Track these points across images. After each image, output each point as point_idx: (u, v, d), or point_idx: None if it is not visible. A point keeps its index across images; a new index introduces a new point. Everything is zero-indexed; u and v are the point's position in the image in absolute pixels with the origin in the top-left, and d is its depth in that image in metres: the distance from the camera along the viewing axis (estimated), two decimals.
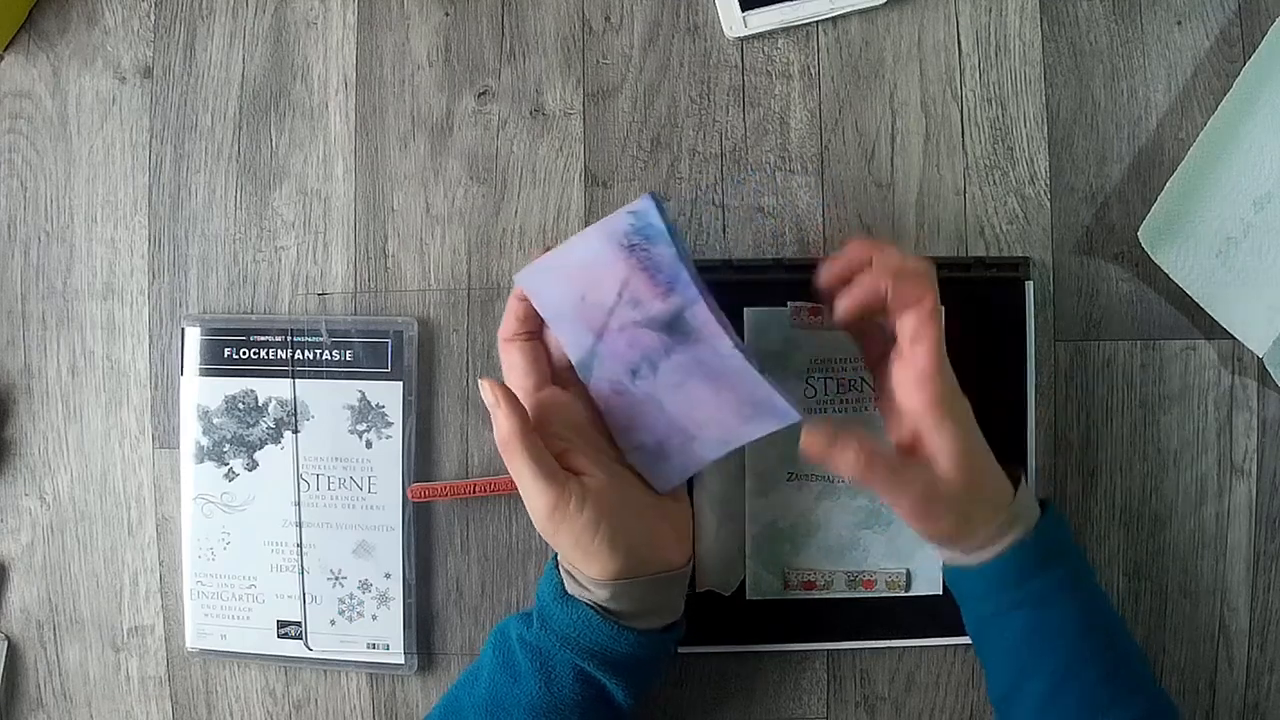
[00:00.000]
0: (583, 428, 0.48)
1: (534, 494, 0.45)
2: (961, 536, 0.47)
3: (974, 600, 0.49)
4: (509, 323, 0.49)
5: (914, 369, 0.45)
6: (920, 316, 0.45)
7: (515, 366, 0.49)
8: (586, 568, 0.46)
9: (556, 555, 0.49)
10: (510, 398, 0.45)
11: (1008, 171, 0.57)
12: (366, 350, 0.56)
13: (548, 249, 0.48)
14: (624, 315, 0.46)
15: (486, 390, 0.45)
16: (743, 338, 0.54)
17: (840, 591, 0.55)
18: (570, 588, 0.47)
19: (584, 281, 0.47)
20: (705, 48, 0.57)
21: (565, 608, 0.46)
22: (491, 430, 0.56)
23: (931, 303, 0.45)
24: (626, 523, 0.46)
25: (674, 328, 0.46)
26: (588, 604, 0.46)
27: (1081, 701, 0.45)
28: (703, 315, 0.45)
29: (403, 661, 0.56)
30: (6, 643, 0.58)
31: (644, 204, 0.44)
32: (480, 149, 0.57)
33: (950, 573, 0.50)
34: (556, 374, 0.49)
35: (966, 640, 0.52)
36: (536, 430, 0.45)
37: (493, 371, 0.56)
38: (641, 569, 0.46)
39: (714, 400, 0.47)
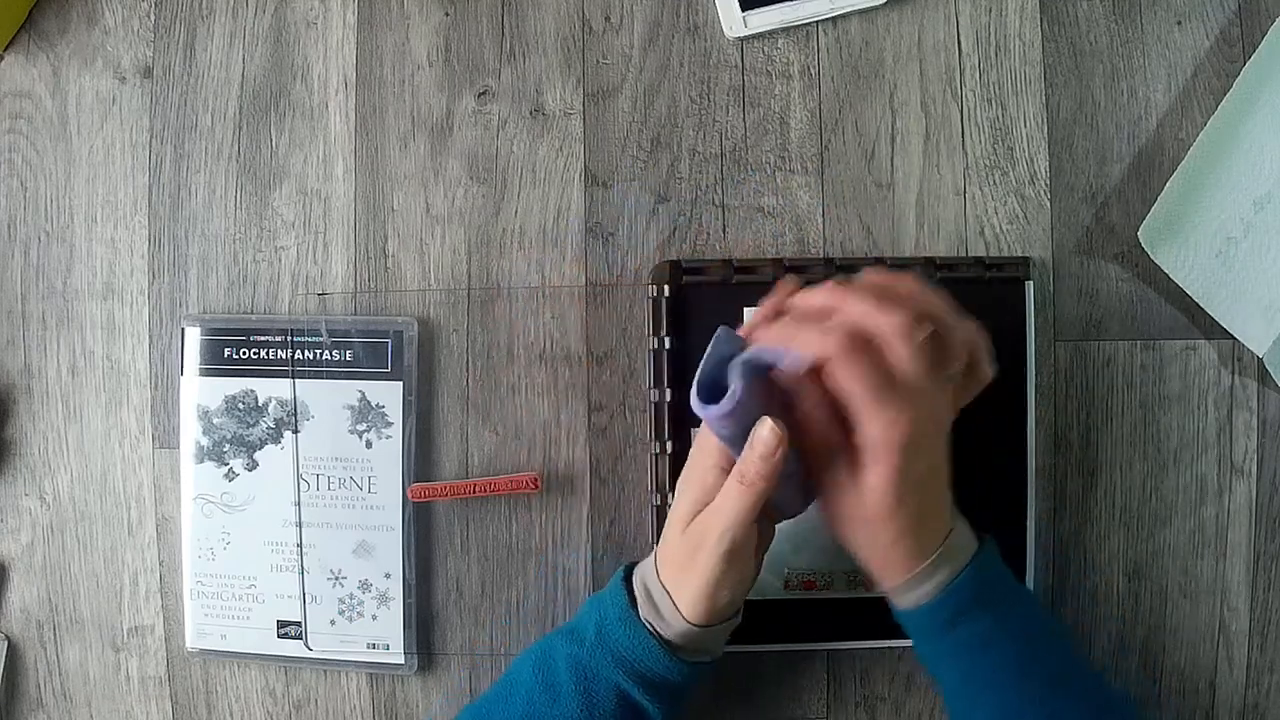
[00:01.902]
0: None
1: (740, 525, 0.43)
2: (877, 571, 0.46)
3: (914, 641, 0.48)
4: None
5: (855, 407, 0.42)
6: (830, 373, 0.41)
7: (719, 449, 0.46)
8: (692, 605, 0.45)
9: (626, 570, 0.49)
10: (785, 449, 0.42)
11: (1008, 171, 0.57)
12: (366, 350, 0.56)
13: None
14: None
15: (770, 430, 0.41)
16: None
17: (840, 591, 0.55)
18: (644, 610, 0.46)
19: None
20: (705, 48, 0.57)
21: (628, 629, 0.46)
22: (490, 430, 0.56)
23: (834, 349, 0.41)
24: (755, 574, 0.46)
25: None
26: (650, 631, 0.46)
27: None
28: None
29: (403, 661, 0.56)
30: (6, 643, 0.58)
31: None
32: (480, 149, 0.57)
33: (893, 611, 0.49)
34: None
35: None
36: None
37: (491, 372, 0.56)
38: (723, 617, 0.46)
39: None
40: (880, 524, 0.43)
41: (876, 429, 0.41)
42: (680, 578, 0.46)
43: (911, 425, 0.41)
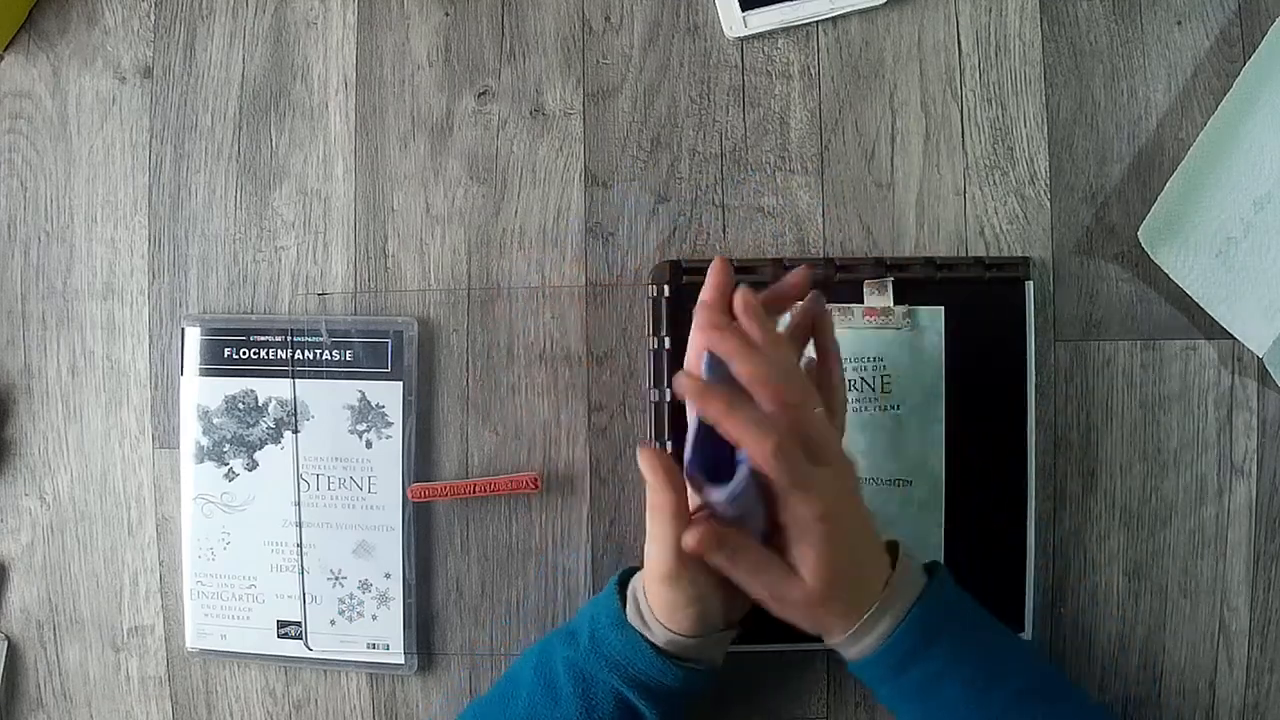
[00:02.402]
0: None
1: (663, 559, 0.44)
2: (822, 630, 0.46)
3: (869, 685, 0.48)
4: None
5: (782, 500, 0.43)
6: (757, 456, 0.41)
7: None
8: (664, 616, 0.46)
9: (619, 577, 0.49)
10: (672, 474, 0.43)
11: (1008, 171, 0.57)
12: (366, 350, 0.56)
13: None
14: None
15: (648, 462, 0.43)
16: None
17: None
18: (632, 616, 0.47)
19: None
20: (705, 48, 0.57)
21: (621, 634, 0.46)
22: (490, 430, 0.56)
23: (762, 461, 0.41)
24: (716, 595, 0.46)
25: None
26: (643, 637, 0.46)
27: None
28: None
29: (403, 661, 0.56)
30: (6, 643, 0.58)
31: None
32: (480, 149, 0.57)
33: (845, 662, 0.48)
34: None
35: None
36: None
37: (491, 372, 0.57)
38: (706, 630, 0.46)
39: None
40: (814, 606, 0.44)
41: (802, 508, 0.42)
42: (653, 599, 0.47)
43: (830, 497, 0.42)
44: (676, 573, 0.44)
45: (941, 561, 0.53)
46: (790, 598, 0.44)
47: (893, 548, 0.47)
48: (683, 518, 0.44)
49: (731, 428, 0.41)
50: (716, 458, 0.43)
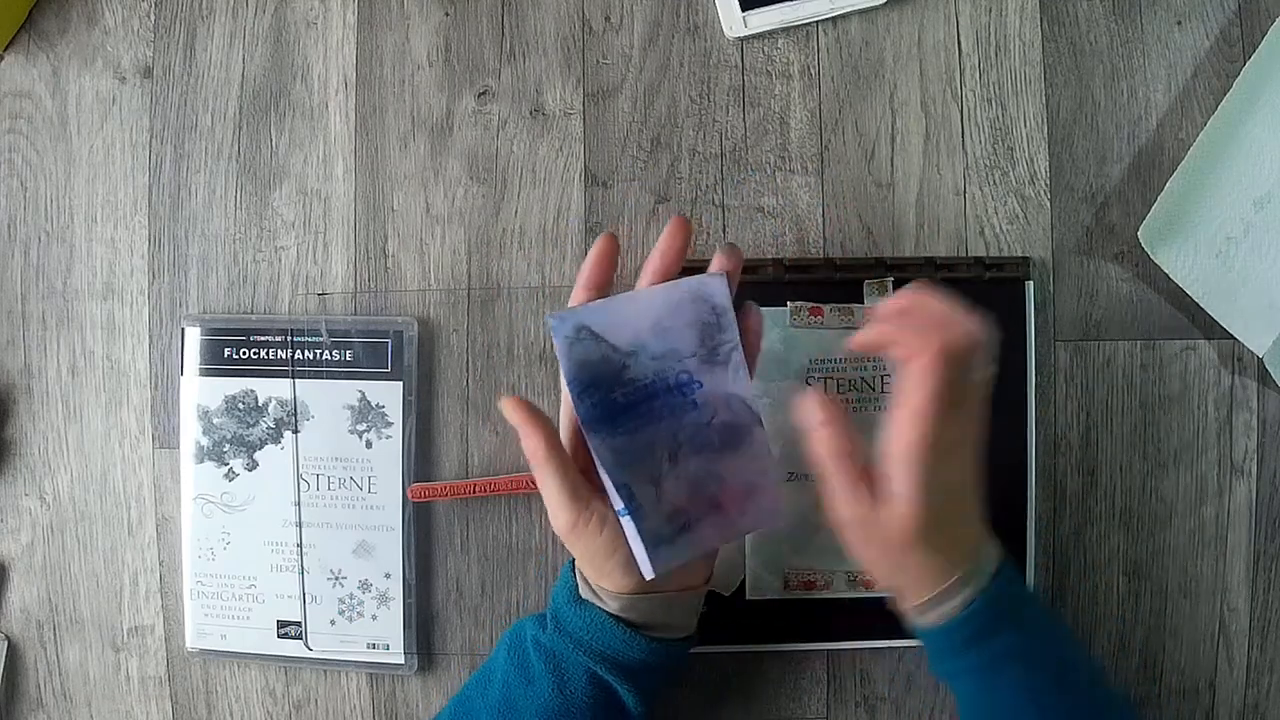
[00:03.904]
0: None
1: (556, 510, 0.45)
2: (899, 589, 0.46)
3: (931, 656, 0.48)
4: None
5: (896, 414, 0.43)
6: (913, 371, 0.42)
7: None
8: (601, 581, 0.46)
9: (574, 558, 0.49)
10: (534, 417, 0.45)
11: (1008, 171, 0.57)
12: (366, 350, 0.56)
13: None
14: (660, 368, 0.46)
15: (511, 409, 0.45)
16: None
17: (840, 591, 0.55)
18: (584, 592, 0.47)
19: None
20: (705, 48, 0.57)
21: (578, 611, 0.47)
22: (491, 431, 0.56)
23: (928, 359, 0.42)
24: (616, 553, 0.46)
25: (709, 358, 0.46)
26: (601, 610, 0.46)
27: None
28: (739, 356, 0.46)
29: (403, 661, 0.56)
30: (6, 643, 0.58)
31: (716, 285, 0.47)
32: (480, 149, 0.57)
33: (913, 628, 0.48)
34: None
35: None
36: (571, 441, 0.46)
37: (492, 372, 0.57)
38: (654, 587, 0.46)
39: (723, 473, 0.46)
40: (908, 543, 0.43)
41: (954, 426, 0.42)
42: (579, 560, 0.47)
43: (970, 429, 0.43)
44: (576, 519, 0.45)
45: None
46: (874, 530, 0.43)
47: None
48: (560, 458, 0.45)
49: (895, 332, 0.43)
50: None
